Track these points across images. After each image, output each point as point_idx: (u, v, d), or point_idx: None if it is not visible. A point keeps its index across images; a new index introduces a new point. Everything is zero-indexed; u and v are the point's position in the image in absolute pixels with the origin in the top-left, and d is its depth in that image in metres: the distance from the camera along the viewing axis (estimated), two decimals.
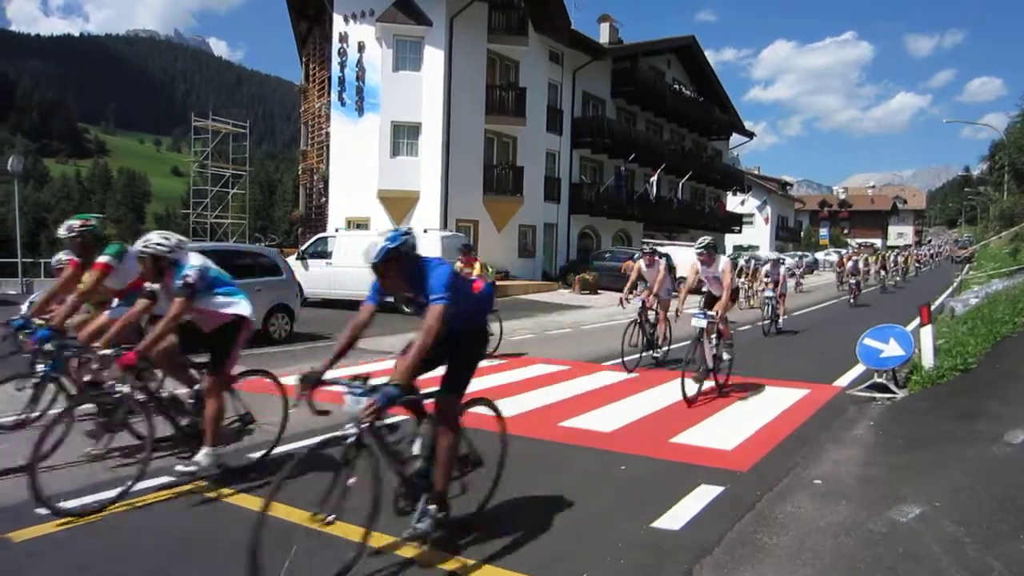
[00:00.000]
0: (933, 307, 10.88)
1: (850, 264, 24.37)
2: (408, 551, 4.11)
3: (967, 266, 38.09)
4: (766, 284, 15.92)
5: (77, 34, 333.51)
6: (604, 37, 36.60)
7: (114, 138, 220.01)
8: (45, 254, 55.67)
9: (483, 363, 6.88)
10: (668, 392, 8.68)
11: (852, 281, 22.69)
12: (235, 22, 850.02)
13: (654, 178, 36.66)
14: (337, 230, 22.30)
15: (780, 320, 15.31)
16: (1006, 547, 3.93)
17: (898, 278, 33.80)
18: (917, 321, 9.12)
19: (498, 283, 25.16)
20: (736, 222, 51.42)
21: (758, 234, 65.10)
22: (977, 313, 12.09)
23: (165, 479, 5.14)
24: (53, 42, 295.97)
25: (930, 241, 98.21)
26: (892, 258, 35.46)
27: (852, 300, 21.95)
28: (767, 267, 16.77)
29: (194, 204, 39.16)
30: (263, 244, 35.03)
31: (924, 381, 8.18)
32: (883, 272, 30.19)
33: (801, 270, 32.06)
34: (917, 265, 46.21)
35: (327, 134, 30.28)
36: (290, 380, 8.54)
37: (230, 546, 4.23)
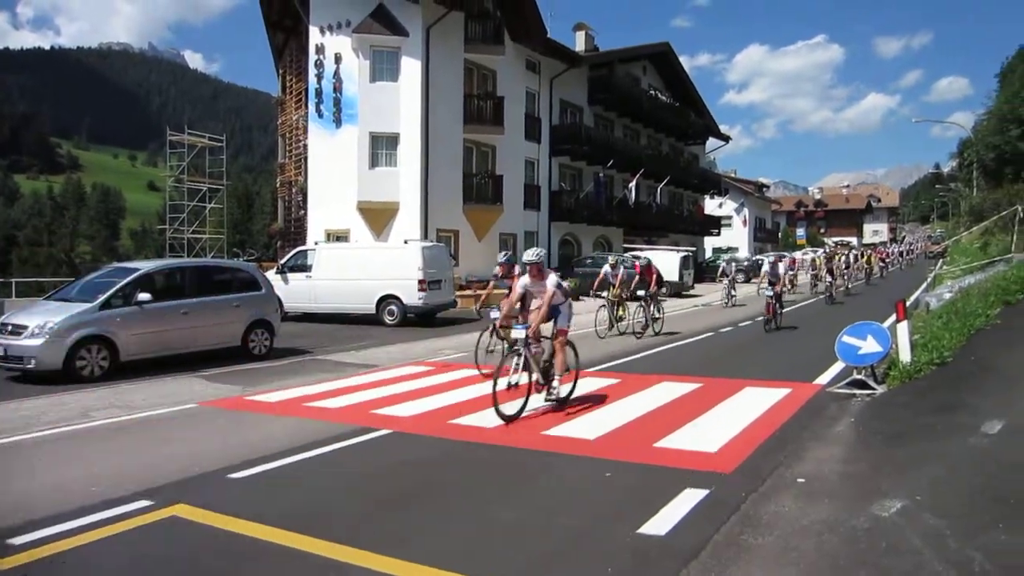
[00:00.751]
0: (908, 302, 11.01)
1: (767, 268, 17.17)
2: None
3: (940, 261, 38.17)
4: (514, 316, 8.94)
5: (48, 47, 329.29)
6: (580, 45, 36.82)
7: (87, 153, 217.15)
8: (16, 273, 54.87)
9: (464, 373, 6.90)
10: (650, 397, 8.75)
11: (768, 294, 15.99)
12: (211, 35, 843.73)
13: (633, 183, 36.82)
14: (317, 243, 22.19)
15: (555, 386, 8.17)
16: (986, 538, 3.98)
17: (849, 285, 26.95)
18: (893, 317, 9.25)
19: (480, 292, 25.17)
20: (715, 225, 51.81)
21: (737, 236, 65.58)
22: (951, 307, 12.23)
23: None
24: (24, 56, 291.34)
25: (904, 238, 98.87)
26: (843, 260, 27.50)
27: (771, 323, 15.77)
28: (523, 279, 8.56)
29: (171, 219, 38.72)
30: (242, 259, 34.81)
31: (902, 376, 8.29)
32: (829, 278, 23.87)
33: (729, 278, 23.93)
34: (882, 264, 37.84)
35: (305, 146, 30.16)
36: (272, 397, 8.58)
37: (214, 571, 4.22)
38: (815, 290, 26.64)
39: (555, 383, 8.13)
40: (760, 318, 16.86)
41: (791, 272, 23.80)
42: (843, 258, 28.28)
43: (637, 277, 15.86)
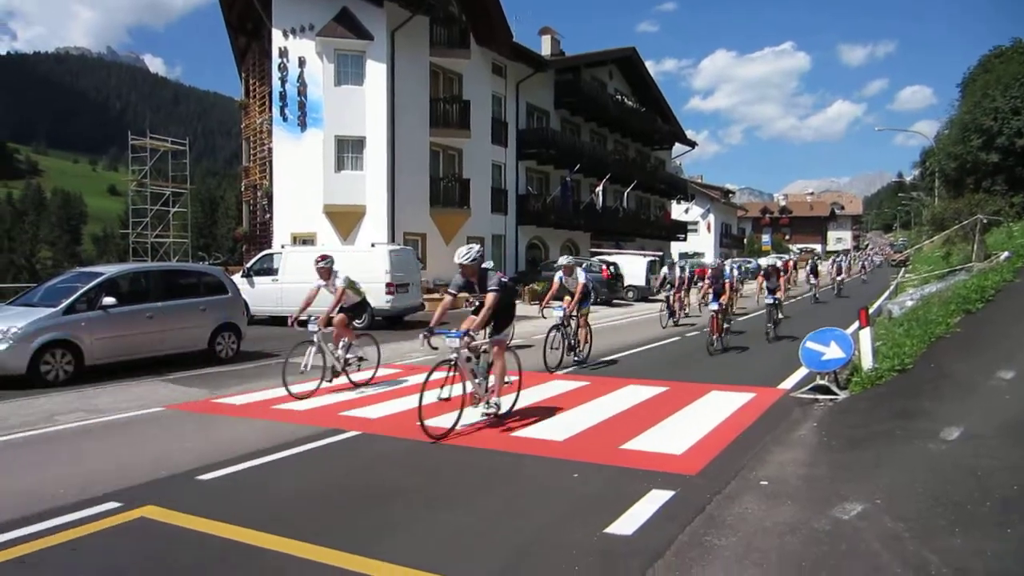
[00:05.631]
0: (871, 310, 11.19)
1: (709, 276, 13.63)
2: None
3: (903, 269, 38.72)
4: None
5: (4, 52, 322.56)
6: (546, 49, 36.96)
7: (47, 158, 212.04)
8: None
9: (433, 376, 6.90)
10: (618, 399, 8.81)
11: (713, 308, 13.03)
12: (172, 38, 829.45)
13: (599, 188, 37.07)
14: (283, 246, 21.99)
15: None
16: (943, 542, 4.08)
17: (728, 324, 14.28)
18: (857, 324, 9.41)
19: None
20: (681, 230, 52.30)
21: (703, 242, 66.38)
22: (912, 315, 12.43)
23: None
24: None
25: (870, 246, 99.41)
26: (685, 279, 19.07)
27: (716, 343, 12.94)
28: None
29: (133, 224, 38.08)
30: (207, 262, 34.37)
31: (864, 382, 8.42)
32: (682, 303, 18.55)
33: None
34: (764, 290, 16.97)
35: (270, 150, 29.89)
36: (236, 400, 8.51)
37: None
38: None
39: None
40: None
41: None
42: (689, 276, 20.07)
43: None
